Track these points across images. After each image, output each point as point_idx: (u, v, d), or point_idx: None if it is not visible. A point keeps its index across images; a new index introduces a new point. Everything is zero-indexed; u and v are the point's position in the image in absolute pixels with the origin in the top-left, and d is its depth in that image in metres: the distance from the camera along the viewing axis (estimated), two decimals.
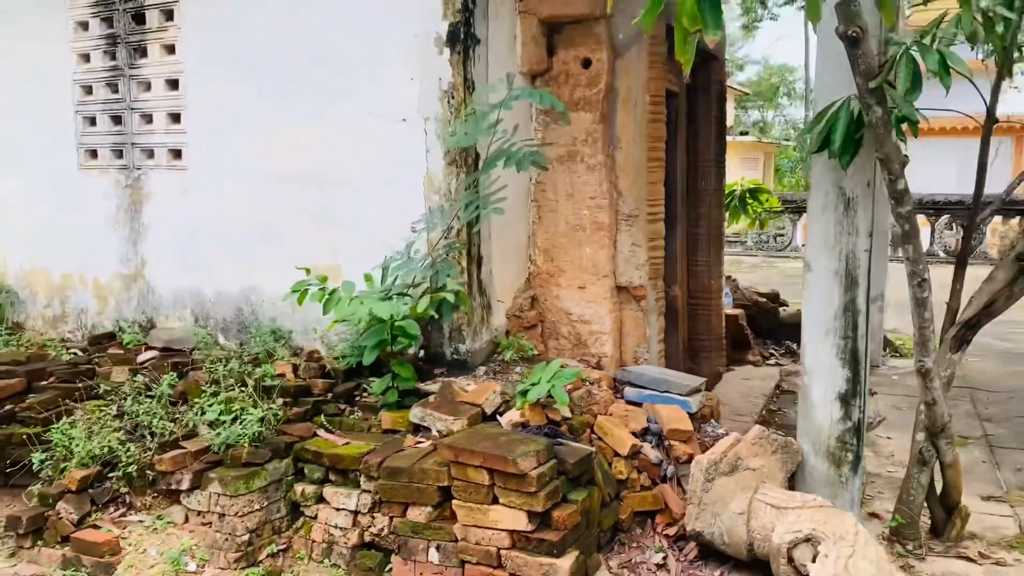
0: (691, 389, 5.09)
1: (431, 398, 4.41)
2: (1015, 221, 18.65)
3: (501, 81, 4.61)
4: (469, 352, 5.06)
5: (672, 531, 4.25)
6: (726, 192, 7.95)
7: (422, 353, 5.15)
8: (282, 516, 4.18)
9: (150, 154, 5.95)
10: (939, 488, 4.31)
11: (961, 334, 4.15)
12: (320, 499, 4.12)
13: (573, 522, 3.67)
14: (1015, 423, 6.39)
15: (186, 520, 4.14)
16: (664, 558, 4.04)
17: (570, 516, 3.65)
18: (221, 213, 5.67)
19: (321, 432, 4.42)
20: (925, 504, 4.27)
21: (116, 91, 6.01)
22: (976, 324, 4.12)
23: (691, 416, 4.86)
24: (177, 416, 4.52)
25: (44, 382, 5.17)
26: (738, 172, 17.00)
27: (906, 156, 3.74)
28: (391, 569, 3.91)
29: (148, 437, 4.39)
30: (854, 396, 4.13)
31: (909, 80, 3.25)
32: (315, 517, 4.12)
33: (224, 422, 4.35)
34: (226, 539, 3.96)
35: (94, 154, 6.18)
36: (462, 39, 4.82)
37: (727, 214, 8.71)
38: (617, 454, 4.36)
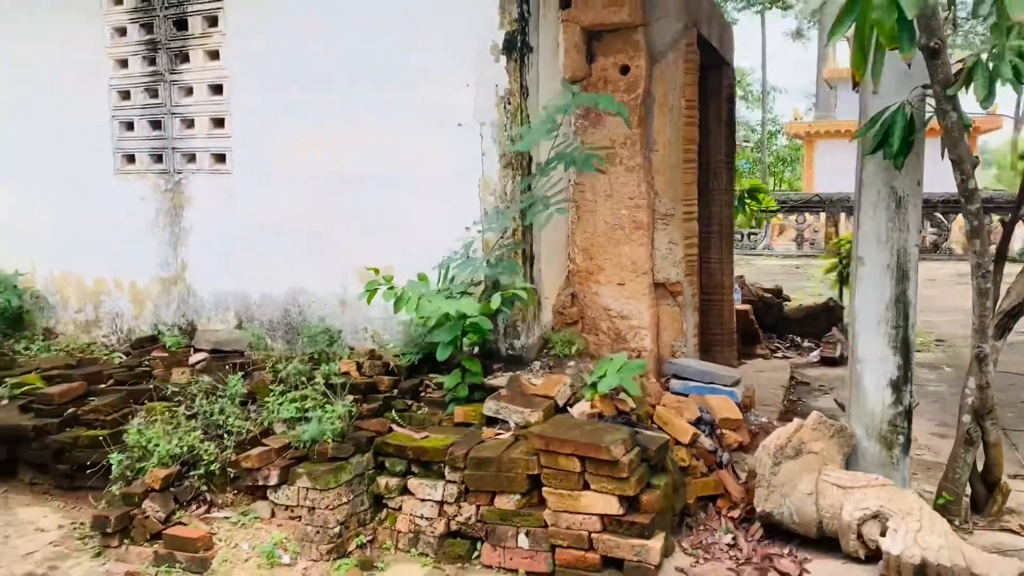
0: (734, 380, 5.35)
1: (502, 391, 4.58)
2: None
3: (565, 87, 4.80)
4: (523, 347, 5.25)
5: (735, 513, 4.48)
6: None
7: (475, 350, 5.31)
8: (365, 508, 4.32)
9: (191, 158, 6.02)
10: (979, 466, 4.60)
11: (1004, 323, 4.46)
12: (404, 491, 4.26)
13: (659, 506, 3.88)
14: (1020, 408, 6.77)
15: (272, 515, 4.24)
16: (733, 538, 4.27)
17: (656, 500, 3.86)
18: (267, 216, 5.76)
19: (394, 427, 4.56)
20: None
21: (155, 96, 6.07)
22: (1017, 313, 4.44)
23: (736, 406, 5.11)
24: (250, 415, 4.63)
25: (102, 385, 5.23)
26: None
27: (976, 157, 4.02)
28: (478, 556, 4.08)
29: (225, 436, 4.49)
30: (904, 382, 4.41)
31: (986, 88, 3.52)
32: (399, 508, 4.26)
33: (300, 419, 4.48)
34: (317, 532, 4.09)
35: (131, 159, 6.23)
36: (518, 47, 5.01)
37: None
38: (678, 442, 4.58)
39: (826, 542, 4.14)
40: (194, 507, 4.35)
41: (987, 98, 3.55)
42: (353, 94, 5.46)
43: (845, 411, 4.86)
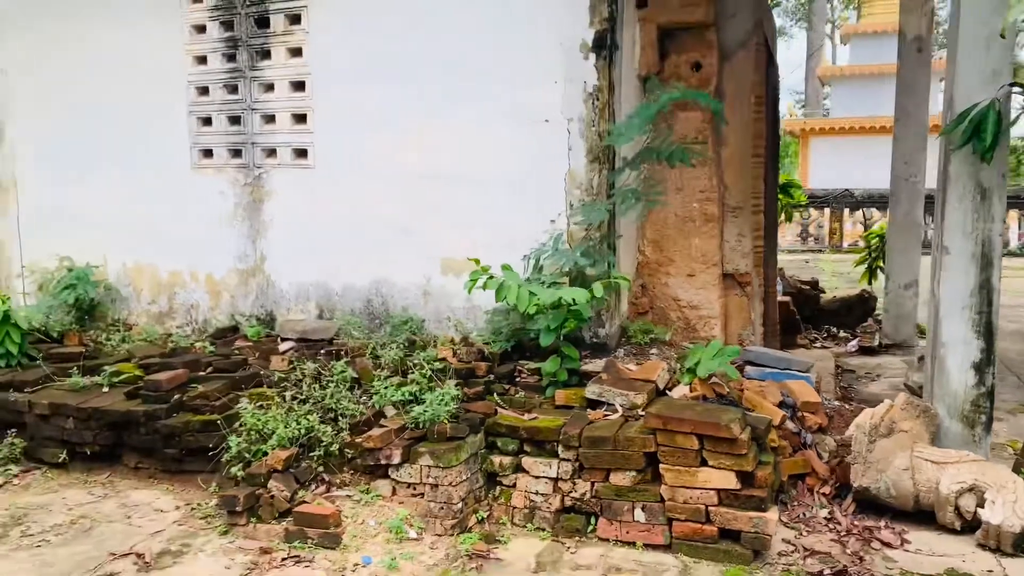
0: (808, 367, 5.58)
1: (603, 375, 4.79)
2: None
3: (653, 83, 5.01)
4: (607, 336, 5.46)
5: (826, 490, 4.72)
6: None
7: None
8: (480, 486, 4.52)
9: (270, 153, 6.18)
10: None
11: None
12: (517, 469, 4.46)
13: (771, 480, 4.11)
14: None
15: (394, 492, 4.43)
16: (829, 512, 4.51)
17: (768, 475, 4.09)
18: (350, 209, 5.94)
19: (499, 409, 4.75)
20: None
21: (235, 92, 6.22)
22: None
23: None
24: (360, 399, 4.82)
25: (202, 372, 5.38)
26: None
27: None
28: (593, 529, 4.28)
29: (339, 418, 4.67)
30: (987, 364, 4.66)
31: None
32: (514, 486, 4.46)
33: (410, 402, 4.67)
34: (441, 507, 4.28)
35: (208, 153, 6.37)
36: (607, 45, 5.21)
37: None
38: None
39: (919, 514, 4.38)
40: (313, 487, 4.52)
41: None
42: (436, 91, 5.64)
43: (920, 393, 5.11)
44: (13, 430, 5.36)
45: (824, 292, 9.60)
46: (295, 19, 5.98)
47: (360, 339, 5.71)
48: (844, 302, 9.33)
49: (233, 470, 4.54)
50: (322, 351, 5.63)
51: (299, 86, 6.04)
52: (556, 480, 4.37)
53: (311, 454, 4.56)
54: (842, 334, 9.07)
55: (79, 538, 4.40)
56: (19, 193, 7.06)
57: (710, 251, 6.01)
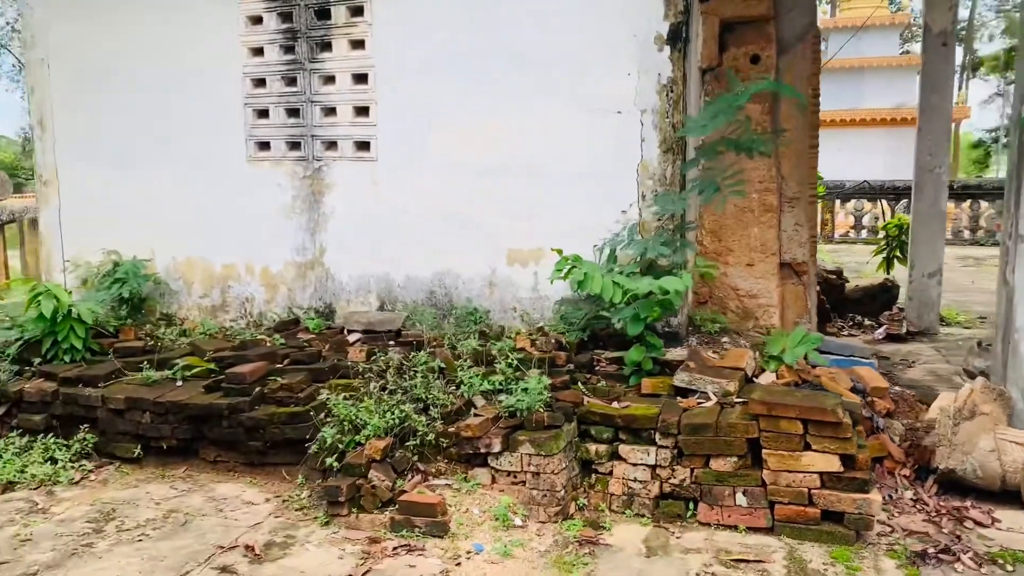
0: (872, 354, 5.72)
1: (690, 364, 4.87)
2: (966, 204, 20.20)
3: (731, 77, 5.08)
4: (679, 324, 5.54)
5: (906, 472, 4.84)
6: None
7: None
8: (576, 473, 4.58)
9: (330, 145, 6.17)
10: None
11: None
12: (613, 456, 4.53)
13: (869, 463, 4.21)
14: None
15: (493, 481, 4.47)
16: (915, 493, 4.63)
17: (867, 458, 4.20)
18: (413, 202, 5.95)
19: (586, 398, 4.82)
20: None
21: (293, 84, 6.20)
22: None
23: None
24: (449, 389, 4.85)
25: (279, 365, 5.38)
26: None
27: None
28: (693, 514, 4.37)
29: (431, 408, 4.70)
30: None
31: None
32: (610, 473, 4.53)
33: (499, 391, 4.72)
34: (544, 495, 4.34)
35: (264, 146, 6.34)
36: (682, 38, 5.27)
37: None
38: None
39: (1004, 494, 4.52)
40: (409, 476, 4.56)
41: None
42: (502, 83, 5.67)
43: (979, 378, 5.25)
44: (85, 425, 5.33)
45: (848, 281, 9.77)
46: (357, 11, 5.97)
47: (429, 331, 5.74)
48: (867, 291, 9.51)
49: (328, 461, 4.55)
50: (390, 343, 5.66)
51: (361, 78, 6.03)
52: (654, 467, 4.44)
53: (405, 444, 4.59)
54: (867, 322, 9.25)
55: (178, 532, 4.39)
56: (61, 185, 6.97)
57: (769, 240, 6.12)
